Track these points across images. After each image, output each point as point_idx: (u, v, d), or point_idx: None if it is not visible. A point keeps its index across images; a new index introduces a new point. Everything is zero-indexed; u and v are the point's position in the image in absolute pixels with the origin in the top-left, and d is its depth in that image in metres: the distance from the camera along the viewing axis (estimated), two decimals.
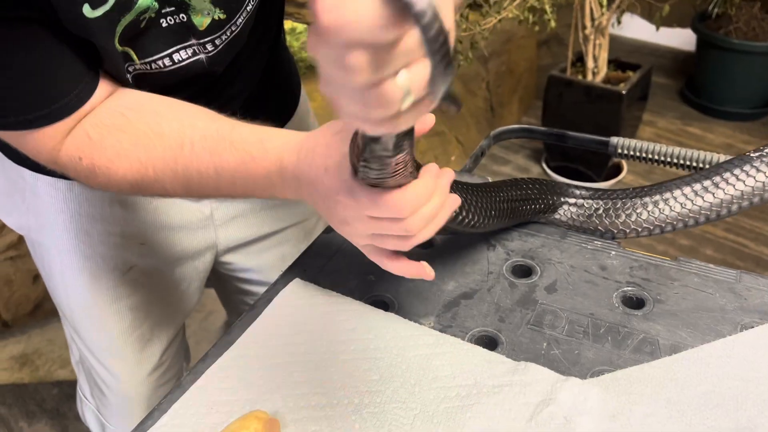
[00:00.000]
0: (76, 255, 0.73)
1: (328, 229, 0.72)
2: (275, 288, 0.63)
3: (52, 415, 1.50)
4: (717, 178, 0.64)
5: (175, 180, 0.51)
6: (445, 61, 0.26)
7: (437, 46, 0.25)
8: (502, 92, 2.44)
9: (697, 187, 0.65)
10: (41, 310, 1.70)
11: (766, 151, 0.63)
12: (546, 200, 0.68)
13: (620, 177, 2.24)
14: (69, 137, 0.52)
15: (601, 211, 0.67)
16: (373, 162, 0.40)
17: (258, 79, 0.71)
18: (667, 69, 2.88)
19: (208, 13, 0.55)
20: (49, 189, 0.70)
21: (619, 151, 0.83)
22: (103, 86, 0.53)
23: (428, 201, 0.44)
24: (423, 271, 0.49)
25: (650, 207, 0.66)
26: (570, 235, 0.68)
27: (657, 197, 0.66)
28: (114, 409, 0.86)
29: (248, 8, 0.58)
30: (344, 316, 0.60)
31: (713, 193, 0.64)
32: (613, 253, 0.66)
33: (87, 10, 0.48)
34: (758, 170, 0.63)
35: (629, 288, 0.62)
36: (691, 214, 0.64)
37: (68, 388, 1.57)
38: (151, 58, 0.55)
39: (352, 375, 0.55)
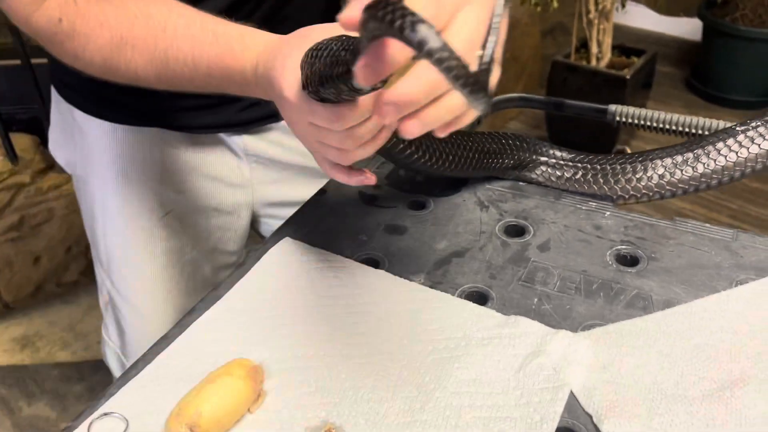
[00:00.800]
0: (116, 195, 0.76)
1: (320, 191, 0.71)
2: (265, 246, 0.63)
3: (51, 396, 1.50)
4: (709, 147, 0.62)
5: (150, 64, 0.51)
6: (468, 86, 0.29)
7: (455, 75, 0.29)
8: (507, 79, 2.42)
9: (689, 155, 0.63)
10: (42, 292, 1.71)
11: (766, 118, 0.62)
12: (518, 156, 0.67)
13: None
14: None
15: (581, 175, 0.66)
16: (328, 92, 0.40)
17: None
18: (673, 58, 2.86)
19: None
20: (96, 129, 0.74)
21: (618, 118, 0.82)
22: None
23: (363, 120, 0.43)
24: (365, 178, 0.48)
25: (639, 173, 0.64)
26: (565, 196, 0.68)
27: (647, 163, 0.65)
28: (136, 349, 0.88)
29: None
30: (333, 272, 0.59)
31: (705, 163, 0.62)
32: (608, 213, 0.65)
33: None
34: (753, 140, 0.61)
35: (623, 246, 0.61)
36: (678, 183, 0.63)
37: (68, 370, 1.57)
38: None
39: (340, 328, 0.54)
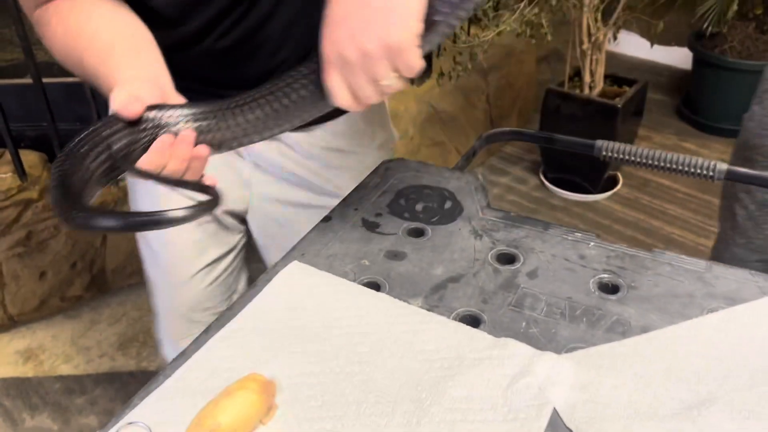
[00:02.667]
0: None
1: (326, 218, 0.76)
2: (275, 269, 0.68)
3: (54, 409, 1.54)
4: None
5: (67, 58, 0.64)
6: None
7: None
8: (502, 105, 2.49)
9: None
10: (46, 306, 1.74)
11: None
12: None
13: (616, 189, 2.29)
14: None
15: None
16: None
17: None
18: (664, 86, 2.94)
19: None
20: None
21: (604, 153, 0.88)
22: None
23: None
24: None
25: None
26: (552, 227, 0.73)
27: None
28: (161, 318, 1.00)
29: None
30: (338, 295, 0.64)
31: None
32: (592, 244, 0.70)
33: None
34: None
35: (605, 275, 0.66)
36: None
37: (71, 383, 1.61)
38: None
39: (344, 347, 0.59)
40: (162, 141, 0.54)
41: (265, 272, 0.68)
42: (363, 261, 0.69)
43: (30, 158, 1.71)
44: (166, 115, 0.56)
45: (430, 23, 0.51)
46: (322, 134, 0.85)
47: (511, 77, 2.50)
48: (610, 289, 0.65)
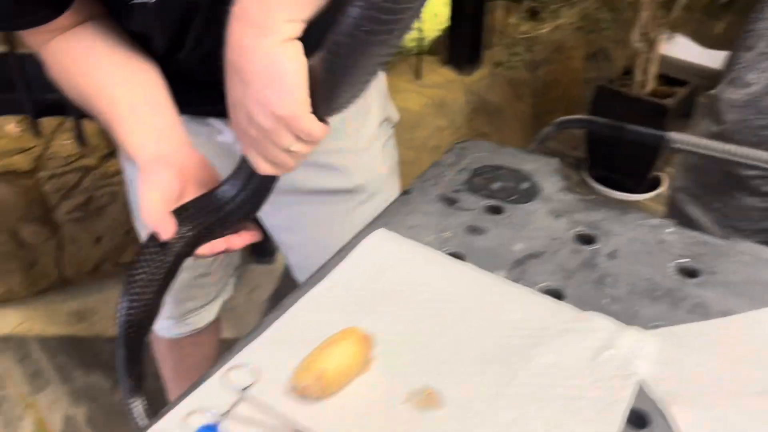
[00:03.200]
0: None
1: (405, 192, 0.79)
2: (361, 235, 0.70)
3: (106, 368, 1.59)
4: None
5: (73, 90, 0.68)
6: None
7: None
8: (548, 100, 2.49)
9: None
10: (100, 271, 1.80)
11: None
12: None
13: (660, 189, 2.27)
14: (52, 43, 0.66)
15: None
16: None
17: None
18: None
19: None
20: None
21: (676, 145, 0.89)
22: (68, 15, 0.64)
23: None
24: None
25: None
26: (630, 211, 0.74)
27: None
28: None
29: None
30: (424, 261, 0.67)
31: None
32: (670, 230, 0.72)
33: None
34: None
35: (684, 260, 0.67)
36: None
37: None
38: None
39: (431, 310, 0.61)
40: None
41: (353, 237, 0.71)
42: (444, 233, 0.72)
43: (90, 127, 1.76)
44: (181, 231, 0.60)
45: (329, 86, 0.51)
46: None
47: (558, 73, 2.50)
48: (689, 272, 0.66)
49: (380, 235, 0.70)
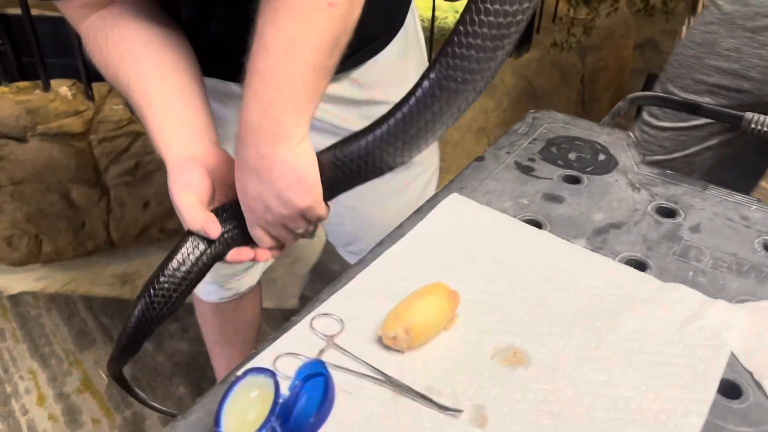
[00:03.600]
0: None
1: (479, 158, 0.78)
2: (436, 198, 0.70)
3: None
4: None
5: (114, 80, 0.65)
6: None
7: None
8: (596, 87, 2.45)
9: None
10: (146, 236, 1.83)
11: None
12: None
13: None
14: (88, 21, 0.64)
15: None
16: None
17: None
18: None
19: None
20: None
21: (753, 126, 0.86)
22: None
23: None
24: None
25: None
26: (711, 187, 0.73)
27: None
28: None
29: None
30: (501, 226, 0.66)
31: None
32: (754, 207, 0.70)
33: None
34: None
35: None
36: None
37: None
38: None
39: (513, 273, 0.61)
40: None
41: (427, 200, 0.70)
42: (521, 200, 0.71)
43: None
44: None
45: (336, 182, 0.58)
46: (348, 83, 0.80)
47: (607, 60, 2.45)
48: None
49: (454, 199, 0.69)
